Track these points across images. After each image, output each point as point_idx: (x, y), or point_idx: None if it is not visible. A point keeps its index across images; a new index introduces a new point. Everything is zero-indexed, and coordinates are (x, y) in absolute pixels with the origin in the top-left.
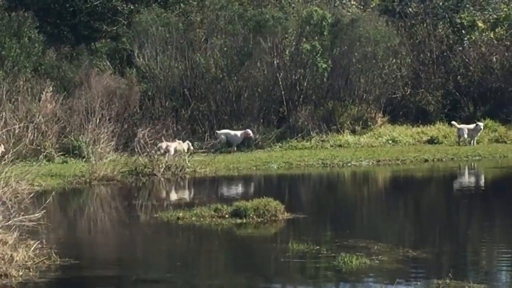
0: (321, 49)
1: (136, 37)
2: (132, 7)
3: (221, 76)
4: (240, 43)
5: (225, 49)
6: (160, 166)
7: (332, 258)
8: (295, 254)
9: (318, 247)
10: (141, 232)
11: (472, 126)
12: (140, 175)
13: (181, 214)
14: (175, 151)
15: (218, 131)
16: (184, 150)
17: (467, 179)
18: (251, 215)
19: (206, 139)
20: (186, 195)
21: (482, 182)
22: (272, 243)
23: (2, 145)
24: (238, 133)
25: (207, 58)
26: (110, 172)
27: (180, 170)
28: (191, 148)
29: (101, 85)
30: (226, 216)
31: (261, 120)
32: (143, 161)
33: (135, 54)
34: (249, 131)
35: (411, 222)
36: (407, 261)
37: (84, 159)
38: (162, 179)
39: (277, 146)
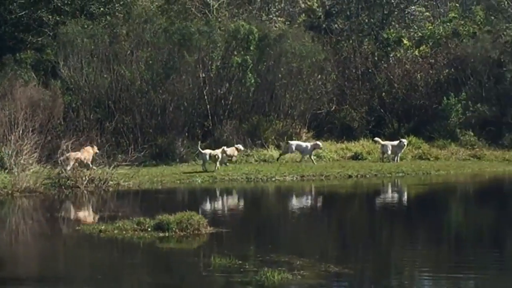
0: (251, 63)
1: (61, 48)
2: (57, 19)
3: (146, 89)
4: (165, 56)
5: (151, 62)
6: (83, 178)
7: (255, 272)
8: (217, 268)
9: (240, 261)
10: (62, 244)
11: (395, 142)
12: (63, 187)
13: (103, 227)
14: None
15: (289, 142)
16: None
17: (390, 196)
18: (173, 228)
19: (130, 152)
20: (109, 208)
21: (405, 199)
22: (195, 257)
23: (94, 147)
24: (309, 144)
25: (132, 70)
26: (33, 184)
27: (104, 183)
28: (241, 149)
29: (25, 96)
30: (149, 229)
31: (186, 134)
32: (67, 173)
33: (60, 66)
34: (319, 143)
35: (334, 237)
36: (329, 276)
37: (7, 171)
38: (85, 191)
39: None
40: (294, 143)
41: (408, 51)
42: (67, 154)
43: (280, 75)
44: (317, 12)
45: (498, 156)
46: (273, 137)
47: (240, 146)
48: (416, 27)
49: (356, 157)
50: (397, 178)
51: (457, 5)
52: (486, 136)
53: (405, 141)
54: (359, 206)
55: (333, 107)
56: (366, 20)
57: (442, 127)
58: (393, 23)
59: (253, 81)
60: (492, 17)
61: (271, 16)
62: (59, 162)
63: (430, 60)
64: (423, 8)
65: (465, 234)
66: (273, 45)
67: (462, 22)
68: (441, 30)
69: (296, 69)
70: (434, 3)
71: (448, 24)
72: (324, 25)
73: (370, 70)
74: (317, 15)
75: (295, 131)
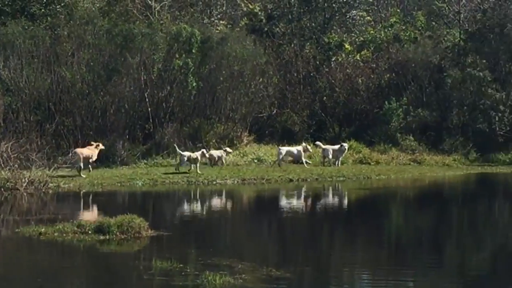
0: (193, 67)
1: (1, 49)
2: None
3: (87, 91)
4: (107, 58)
5: (92, 63)
6: (23, 180)
7: (196, 276)
8: (158, 271)
9: (182, 265)
10: (1, 247)
11: (336, 147)
12: (2, 189)
13: (43, 230)
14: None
15: (280, 148)
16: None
17: (331, 200)
18: (114, 231)
19: (70, 154)
20: (48, 210)
21: (345, 202)
22: (135, 260)
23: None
24: (295, 149)
25: (73, 72)
26: None
27: (43, 185)
28: (230, 151)
29: None
30: (89, 232)
31: (127, 136)
32: (6, 175)
33: (0, 67)
34: (308, 146)
35: (275, 241)
36: (270, 281)
37: None
38: (25, 193)
39: (142, 163)
40: (284, 149)
41: (350, 56)
42: (74, 150)
43: (221, 78)
44: (259, 16)
45: (438, 161)
46: (214, 140)
47: (228, 149)
48: (357, 32)
49: (297, 161)
50: (338, 182)
51: (398, 10)
52: (426, 141)
53: (346, 145)
54: (300, 210)
55: (275, 111)
56: (308, 24)
57: (383, 131)
58: (334, 27)
59: (194, 84)
60: (433, 23)
61: (213, 19)
62: (68, 160)
63: (372, 65)
64: (365, 13)
65: (405, 238)
66: (215, 48)
67: (404, 27)
68: (383, 35)
69: (237, 72)
70: (376, 8)
71: (389, 29)
72: (266, 29)
73: (311, 74)
74: (259, 18)
75: (236, 134)
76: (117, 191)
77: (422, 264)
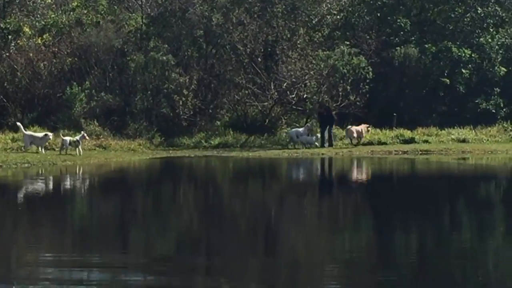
0: None
1: None
2: None
3: None
4: None
5: None
6: None
7: None
8: None
9: None
10: None
11: (40, 134)
12: None
13: None
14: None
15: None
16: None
17: (16, 188)
18: None
19: None
20: None
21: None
22: None
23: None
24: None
25: None
26: None
27: None
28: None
29: None
30: None
31: None
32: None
33: None
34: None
35: None
36: None
37: None
38: None
39: None
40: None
41: (31, 40)
42: (349, 127)
43: None
44: None
45: (124, 146)
46: None
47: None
48: (39, 16)
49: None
50: (23, 169)
51: None
52: (110, 126)
53: (50, 134)
54: None
55: None
56: None
57: (66, 117)
58: (14, 11)
59: None
60: (115, 7)
61: None
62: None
63: (54, 49)
64: None
65: (93, 229)
66: None
67: (86, 11)
68: (64, 19)
69: None
70: None
71: (71, 13)
72: None
73: None
74: None
75: None
76: None
77: (111, 255)
